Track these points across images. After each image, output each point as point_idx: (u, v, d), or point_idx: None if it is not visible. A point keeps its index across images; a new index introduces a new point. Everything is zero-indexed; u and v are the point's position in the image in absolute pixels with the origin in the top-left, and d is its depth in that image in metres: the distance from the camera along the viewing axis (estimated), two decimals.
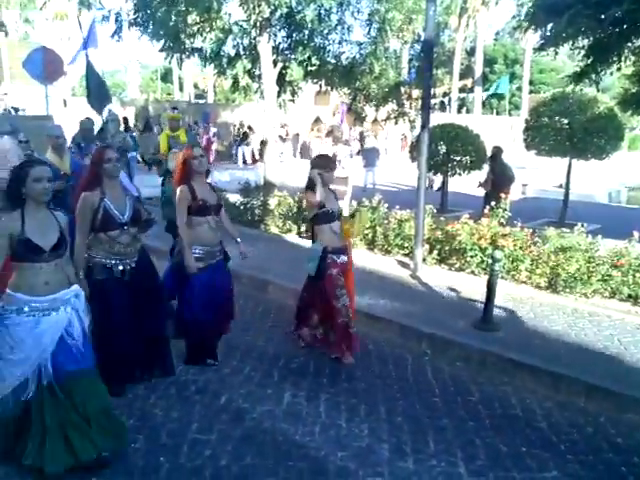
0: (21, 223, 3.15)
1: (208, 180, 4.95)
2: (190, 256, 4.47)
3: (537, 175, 18.28)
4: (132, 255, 4.10)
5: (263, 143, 11.50)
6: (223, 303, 4.71)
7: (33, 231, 3.16)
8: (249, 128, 25.05)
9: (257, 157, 23.23)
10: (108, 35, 10.97)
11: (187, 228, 4.53)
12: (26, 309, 3.17)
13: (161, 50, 10.50)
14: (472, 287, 6.62)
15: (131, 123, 21.17)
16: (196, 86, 40.66)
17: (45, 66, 10.30)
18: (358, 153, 20.44)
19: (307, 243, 8.67)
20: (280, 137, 24.38)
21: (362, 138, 24.37)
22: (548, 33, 9.10)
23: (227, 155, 24.12)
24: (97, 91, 8.86)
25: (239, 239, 4.86)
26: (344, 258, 4.99)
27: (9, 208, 3.19)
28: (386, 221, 8.21)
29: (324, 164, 4.90)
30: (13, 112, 12.75)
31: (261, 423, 3.86)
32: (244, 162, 23.04)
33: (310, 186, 4.86)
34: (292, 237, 9.15)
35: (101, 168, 4.05)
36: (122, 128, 14.01)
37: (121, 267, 4.04)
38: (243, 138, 24.05)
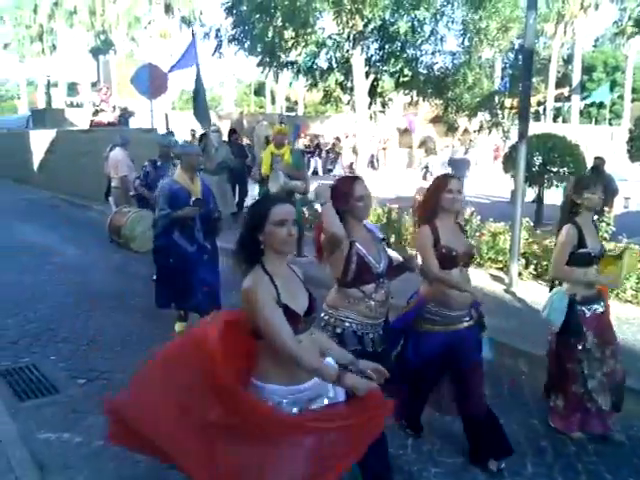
0: (272, 284, 2.34)
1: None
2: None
3: None
4: (382, 318, 3.15)
5: (355, 152, 11.60)
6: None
7: (285, 294, 2.37)
8: (337, 139, 25.38)
9: (329, 167, 23.75)
10: (207, 52, 11.50)
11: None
12: (284, 404, 2.35)
13: (258, 65, 10.88)
14: None
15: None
16: (287, 99, 41.62)
17: (151, 82, 10.94)
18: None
19: (394, 255, 8.66)
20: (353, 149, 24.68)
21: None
22: None
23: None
24: (203, 105, 9.19)
25: None
26: (598, 308, 3.86)
27: (244, 264, 2.43)
28: (478, 234, 8.03)
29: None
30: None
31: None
32: (314, 173, 23.22)
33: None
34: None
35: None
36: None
37: (371, 335, 3.06)
38: (315, 149, 24.44)
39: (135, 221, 7.19)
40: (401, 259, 3.46)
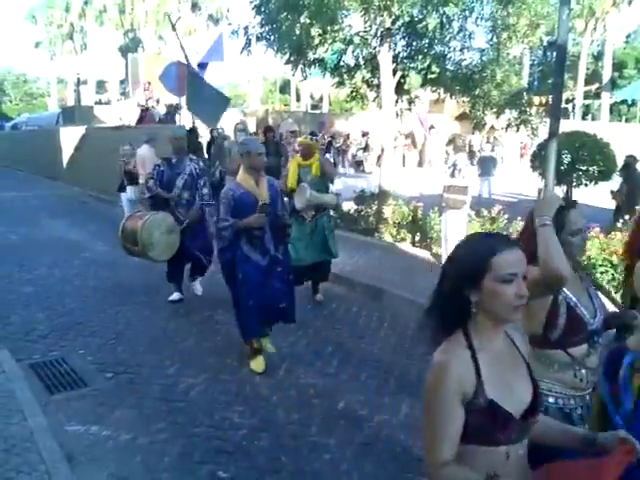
0: (473, 364, 1.61)
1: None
2: None
3: None
4: (591, 387, 2.33)
5: (382, 151, 11.51)
6: None
7: (493, 382, 1.61)
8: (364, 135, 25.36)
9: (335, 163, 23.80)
10: (234, 49, 11.54)
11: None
12: None
13: (287, 62, 10.87)
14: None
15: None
16: (312, 97, 41.64)
17: (179, 79, 11.03)
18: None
19: (421, 253, 8.65)
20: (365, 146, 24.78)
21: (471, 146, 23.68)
22: None
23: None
24: (212, 103, 8.86)
25: None
26: None
27: (439, 329, 1.71)
28: (506, 232, 7.92)
29: None
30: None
31: (379, 432, 3.86)
32: None
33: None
34: (406, 246, 9.09)
35: None
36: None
37: (580, 411, 2.31)
38: (328, 147, 24.44)
39: (153, 225, 6.12)
40: (613, 310, 2.62)
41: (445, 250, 7.89)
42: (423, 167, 25.86)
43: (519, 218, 7.98)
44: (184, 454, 3.59)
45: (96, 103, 34.36)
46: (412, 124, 24.61)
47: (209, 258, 6.53)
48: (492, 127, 17.54)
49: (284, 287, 4.83)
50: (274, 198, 4.78)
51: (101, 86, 40.38)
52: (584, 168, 11.09)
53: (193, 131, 11.61)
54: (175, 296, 6.59)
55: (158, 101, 18.47)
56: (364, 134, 25.84)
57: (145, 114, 16.67)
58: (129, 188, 9.96)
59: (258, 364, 4.77)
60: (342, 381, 4.66)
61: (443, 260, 7.86)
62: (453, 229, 7.65)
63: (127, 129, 14.74)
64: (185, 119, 13.78)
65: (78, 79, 38.25)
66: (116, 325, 5.87)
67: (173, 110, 15.98)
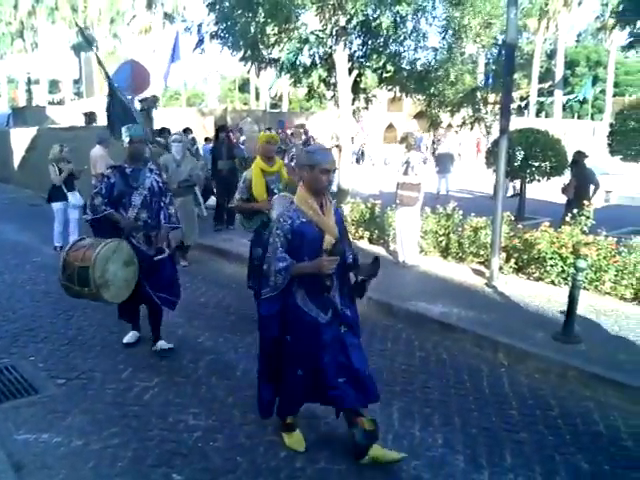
0: None
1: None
2: None
3: (622, 181, 17.40)
4: None
5: (340, 149, 11.56)
6: None
7: None
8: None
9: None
10: (191, 47, 11.41)
11: None
12: None
13: (241, 60, 10.82)
14: (552, 297, 6.41)
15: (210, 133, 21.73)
16: (271, 95, 41.51)
17: (133, 79, 10.83)
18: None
19: (379, 250, 8.73)
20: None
21: (434, 143, 24.08)
22: (638, 30, 8.68)
23: None
24: (122, 113, 8.08)
25: None
26: None
27: None
28: (460, 228, 8.08)
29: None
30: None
31: (335, 429, 3.88)
32: None
33: None
34: (364, 244, 9.16)
35: None
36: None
37: None
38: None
39: (107, 256, 4.63)
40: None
41: (400, 246, 7.99)
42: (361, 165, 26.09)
43: (473, 214, 8.15)
44: (137, 458, 3.55)
45: (49, 103, 33.49)
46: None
47: (173, 301, 5.21)
48: (449, 125, 17.84)
49: (356, 353, 3.47)
50: (340, 230, 3.51)
51: (54, 86, 39.37)
52: (537, 164, 11.41)
53: (163, 133, 10.68)
54: (131, 337, 5.35)
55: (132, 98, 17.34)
56: (306, 132, 25.76)
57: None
58: (71, 195, 9.15)
59: (298, 442, 3.66)
60: None
61: (399, 257, 8.00)
62: (407, 225, 7.75)
63: (79, 129, 14.40)
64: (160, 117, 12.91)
65: (29, 78, 37.19)
66: (68, 330, 5.73)
67: (148, 105, 13.03)
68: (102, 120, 11.17)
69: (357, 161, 26.22)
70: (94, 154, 9.34)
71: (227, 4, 10.02)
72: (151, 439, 3.75)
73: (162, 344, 5.22)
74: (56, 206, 9.19)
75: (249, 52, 10.56)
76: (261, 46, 10.24)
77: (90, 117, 15.03)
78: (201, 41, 10.48)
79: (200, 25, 10.49)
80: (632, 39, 8.68)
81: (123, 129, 5.11)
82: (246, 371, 4.78)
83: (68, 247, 4.87)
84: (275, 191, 5.25)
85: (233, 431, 3.85)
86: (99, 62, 9.45)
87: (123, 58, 14.90)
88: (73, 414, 4.08)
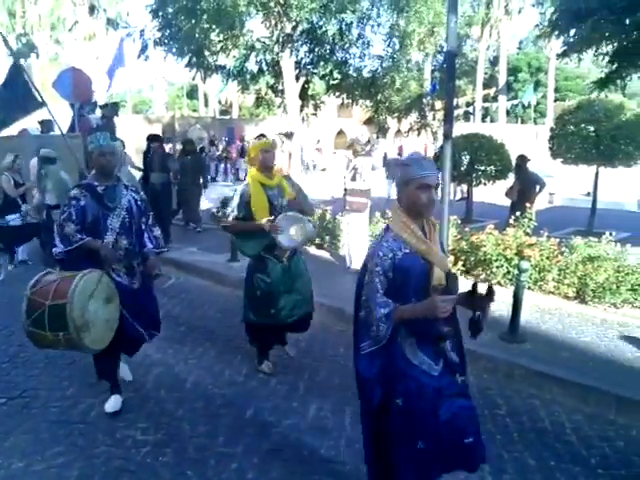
0: None
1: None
2: None
3: (564, 184, 18.05)
4: None
5: (290, 156, 11.58)
6: None
7: None
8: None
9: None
10: (135, 54, 11.22)
11: None
12: None
13: (186, 66, 10.71)
14: (498, 298, 6.53)
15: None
16: (220, 102, 41.19)
17: (74, 86, 10.56)
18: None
19: (325, 255, 8.76)
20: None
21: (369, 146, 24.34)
22: (571, 39, 9.02)
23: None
24: (22, 99, 7.46)
25: None
26: None
27: None
28: None
29: None
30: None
31: (287, 437, 3.86)
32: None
33: None
34: (316, 250, 9.17)
35: None
36: None
37: None
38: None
39: (85, 291, 3.66)
40: None
41: (348, 252, 8.04)
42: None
43: None
44: (83, 477, 3.43)
45: None
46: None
47: (154, 333, 4.52)
48: (398, 130, 18.13)
49: (467, 410, 2.80)
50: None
51: None
52: (482, 168, 11.70)
53: (156, 139, 10.06)
54: (115, 403, 4.21)
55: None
56: (241, 139, 25.70)
57: (83, 120, 12.58)
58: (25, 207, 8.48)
59: None
60: (251, 389, 4.63)
61: (347, 262, 8.03)
62: (356, 231, 7.80)
63: (17, 139, 13.89)
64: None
65: None
66: (9, 347, 5.51)
67: (110, 111, 11.75)
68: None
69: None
70: (33, 165, 8.99)
71: (170, 10, 9.91)
72: (98, 457, 3.64)
73: (126, 372, 4.72)
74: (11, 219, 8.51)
75: (194, 58, 10.48)
76: (206, 52, 10.18)
77: (46, 125, 14.14)
78: (145, 48, 10.31)
79: (142, 31, 10.33)
80: (566, 48, 9.00)
81: (89, 138, 4.22)
82: (196, 383, 4.70)
83: (31, 284, 3.72)
84: (278, 208, 4.66)
85: (182, 444, 3.77)
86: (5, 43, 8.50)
87: (65, 65, 14.44)
88: (15, 434, 3.92)
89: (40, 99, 7.50)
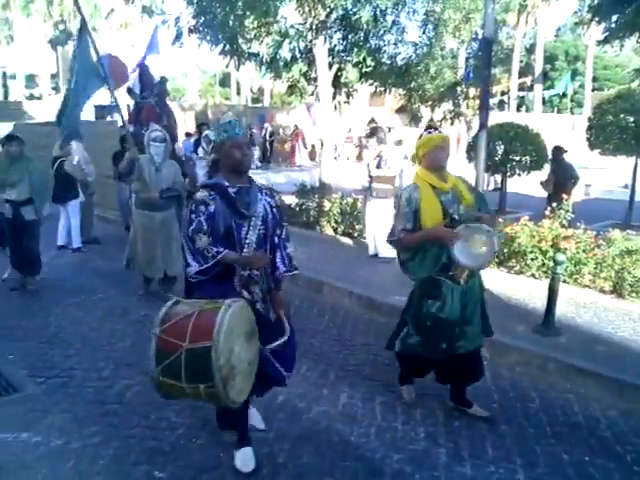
0: None
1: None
2: None
3: (601, 175, 17.63)
4: None
5: (321, 144, 11.55)
6: None
7: None
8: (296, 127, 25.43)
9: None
10: (169, 41, 11.29)
11: None
12: None
13: (220, 53, 10.74)
14: (532, 291, 6.47)
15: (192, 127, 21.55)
16: (252, 90, 41.33)
17: (110, 72, 10.65)
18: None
19: (360, 245, 8.75)
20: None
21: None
22: (613, 25, 8.77)
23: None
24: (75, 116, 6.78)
25: None
26: None
27: None
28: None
29: None
30: None
31: (317, 423, 3.89)
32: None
33: None
34: (347, 239, 9.17)
35: None
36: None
37: None
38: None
39: (231, 329, 2.80)
40: None
41: (370, 238, 8.02)
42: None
43: None
44: (118, 456, 3.51)
45: (27, 98, 32.99)
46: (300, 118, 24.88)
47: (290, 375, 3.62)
48: (431, 120, 17.96)
49: None
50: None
51: (31, 80, 38.76)
52: (517, 158, 11.52)
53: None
54: (246, 457, 3.38)
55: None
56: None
57: (144, 106, 10.44)
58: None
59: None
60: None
61: (370, 249, 8.02)
62: (380, 218, 7.72)
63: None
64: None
65: (4, 73, 36.56)
66: (47, 328, 5.66)
67: (160, 87, 10.14)
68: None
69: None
70: (69, 149, 9.18)
71: None
72: (133, 437, 3.72)
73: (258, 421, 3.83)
74: (72, 206, 8.91)
75: (228, 46, 10.50)
76: (240, 40, 10.19)
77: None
78: (179, 35, 10.38)
79: (178, 19, 10.39)
80: (607, 34, 8.74)
81: (213, 126, 3.41)
82: None
83: (161, 318, 2.86)
84: (455, 216, 3.72)
85: (215, 428, 3.81)
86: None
87: (102, 52, 14.54)
88: (53, 413, 4.03)
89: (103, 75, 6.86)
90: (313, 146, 25.21)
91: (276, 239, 3.39)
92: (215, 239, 3.10)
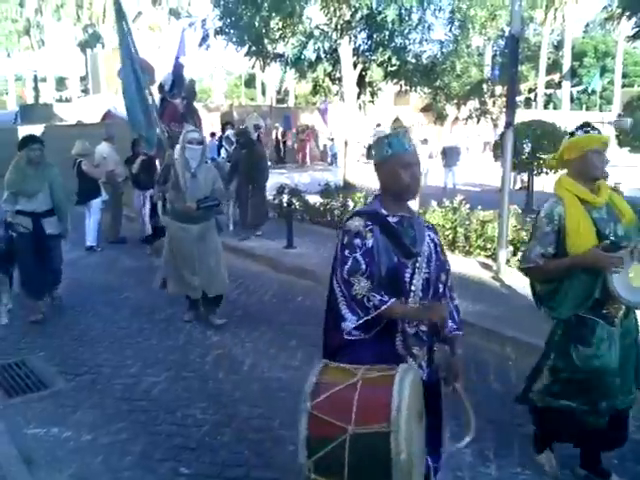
0: None
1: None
2: None
3: (631, 173, 17.27)
4: None
5: (345, 144, 11.56)
6: None
7: None
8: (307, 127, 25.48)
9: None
10: (196, 43, 11.42)
11: None
12: None
13: (245, 55, 10.84)
14: None
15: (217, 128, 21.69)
16: (278, 91, 41.50)
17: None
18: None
19: None
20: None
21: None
22: None
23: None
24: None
25: None
26: None
27: None
28: (468, 222, 8.06)
29: None
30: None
31: None
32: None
33: None
34: None
35: None
36: None
37: None
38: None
39: (412, 410, 2.03)
40: None
41: None
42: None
43: (479, 207, 8.13)
44: (145, 452, 3.57)
45: (57, 100, 33.65)
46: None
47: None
48: (456, 118, 17.81)
49: None
50: None
51: (61, 83, 39.53)
52: (544, 157, 11.35)
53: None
54: None
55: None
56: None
57: (168, 105, 9.84)
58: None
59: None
60: (306, 374, 4.65)
61: None
62: None
63: (88, 126, 14.46)
64: None
65: (36, 76, 37.34)
66: (77, 325, 5.78)
67: (189, 89, 9.61)
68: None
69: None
70: (100, 151, 9.35)
71: None
72: (159, 433, 3.77)
73: None
74: (94, 206, 8.98)
75: (253, 47, 10.59)
76: (265, 41, 10.27)
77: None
78: (206, 37, 10.50)
79: (204, 21, 10.51)
80: (638, 29, 8.55)
81: (374, 140, 2.88)
82: (253, 365, 4.80)
83: (311, 389, 2.12)
84: (612, 238, 2.95)
85: (240, 425, 3.86)
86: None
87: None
88: (82, 409, 4.11)
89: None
90: (325, 146, 25.32)
91: (440, 286, 2.59)
92: (372, 283, 2.36)
